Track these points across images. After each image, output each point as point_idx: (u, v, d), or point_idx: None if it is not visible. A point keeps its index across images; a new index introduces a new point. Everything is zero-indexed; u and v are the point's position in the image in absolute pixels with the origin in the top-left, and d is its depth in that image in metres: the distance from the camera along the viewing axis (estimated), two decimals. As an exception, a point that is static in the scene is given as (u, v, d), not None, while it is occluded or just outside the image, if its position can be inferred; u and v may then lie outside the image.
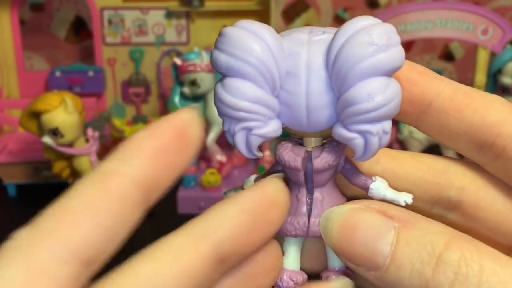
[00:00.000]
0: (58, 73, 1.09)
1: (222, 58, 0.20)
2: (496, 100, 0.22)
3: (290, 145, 0.22)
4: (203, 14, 1.16)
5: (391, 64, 0.20)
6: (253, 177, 0.23)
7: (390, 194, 0.22)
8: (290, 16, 1.30)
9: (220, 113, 0.21)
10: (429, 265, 0.19)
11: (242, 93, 0.20)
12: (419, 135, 1.01)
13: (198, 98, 0.99)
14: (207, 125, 1.02)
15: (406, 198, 0.22)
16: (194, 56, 0.97)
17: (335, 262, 0.22)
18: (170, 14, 1.15)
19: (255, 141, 0.21)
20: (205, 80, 0.96)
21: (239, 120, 0.21)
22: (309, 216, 0.22)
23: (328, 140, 0.22)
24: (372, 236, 0.20)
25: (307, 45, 0.21)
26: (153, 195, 0.20)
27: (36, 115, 0.83)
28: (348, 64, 0.20)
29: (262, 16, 1.16)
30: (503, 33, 1.01)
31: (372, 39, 0.20)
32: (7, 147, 1.01)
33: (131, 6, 1.14)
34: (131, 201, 0.19)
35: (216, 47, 0.21)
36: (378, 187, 0.22)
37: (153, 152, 0.19)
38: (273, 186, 0.21)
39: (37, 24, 1.24)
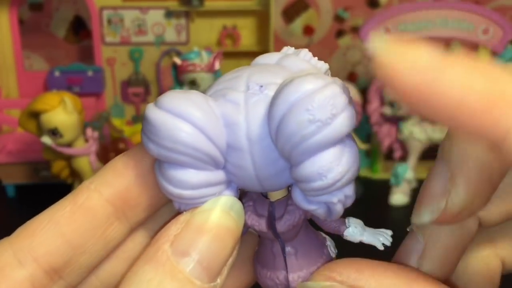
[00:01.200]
0: (57, 73, 1.09)
1: (153, 148, 0.18)
2: None
3: (251, 203, 0.21)
4: (202, 14, 1.15)
5: (340, 134, 0.17)
6: None
7: (367, 237, 0.21)
8: (290, 16, 1.30)
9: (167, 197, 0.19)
10: None
11: (183, 183, 0.18)
12: (420, 135, 1.00)
13: (198, 98, 0.99)
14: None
15: (384, 239, 0.20)
16: (193, 56, 0.96)
17: None
18: (169, 14, 1.15)
19: None
20: (205, 80, 0.96)
21: (188, 204, 0.19)
22: (287, 270, 0.21)
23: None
24: None
25: (244, 110, 0.18)
26: (130, 211, 0.20)
27: (35, 115, 0.83)
28: (291, 143, 0.17)
29: (262, 16, 1.15)
30: (503, 32, 1.00)
31: (313, 115, 0.17)
32: (6, 147, 1.01)
33: (131, 5, 1.14)
34: (98, 214, 0.19)
35: (143, 132, 0.18)
36: (353, 233, 0.20)
37: (123, 171, 0.20)
38: None
39: (36, 23, 1.24)
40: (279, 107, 0.17)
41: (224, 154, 0.18)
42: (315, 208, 0.19)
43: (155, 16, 1.15)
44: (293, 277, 0.21)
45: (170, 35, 1.16)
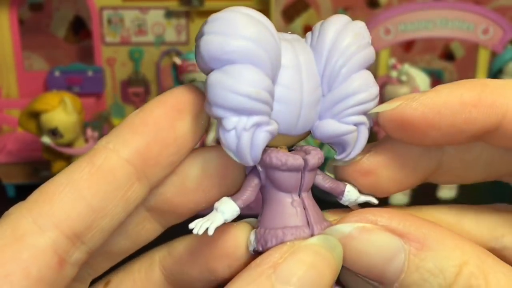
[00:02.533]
0: (57, 73, 1.09)
1: (219, 41, 0.18)
2: None
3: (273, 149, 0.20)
4: (202, 14, 1.15)
5: (373, 57, 0.20)
6: (225, 198, 0.21)
7: (363, 197, 0.22)
8: (290, 16, 1.30)
9: (228, 109, 0.18)
10: None
11: (259, 81, 0.18)
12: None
13: (198, 98, 0.99)
14: (207, 124, 1.01)
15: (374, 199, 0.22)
16: (193, 56, 0.96)
17: None
18: (169, 14, 1.15)
19: (264, 140, 0.18)
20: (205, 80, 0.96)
21: (252, 113, 0.18)
22: (310, 221, 0.20)
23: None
24: (380, 261, 0.18)
25: (290, 44, 0.19)
26: (150, 171, 0.19)
27: (35, 115, 0.83)
28: (346, 56, 0.19)
29: (262, 15, 1.15)
30: (503, 32, 1.00)
31: (362, 33, 0.20)
32: (6, 147, 1.01)
33: (131, 5, 1.14)
34: (118, 176, 0.19)
35: (206, 33, 0.18)
36: (352, 191, 0.21)
37: (141, 128, 0.19)
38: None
39: (36, 23, 1.24)
40: (331, 29, 0.20)
41: (277, 73, 0.19)
42: (351, 129, 0.20)
43: (155, 16, 1.15)
44: (317, 227, 0.20)
45: (170, 35, 1.16)
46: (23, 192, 0.98)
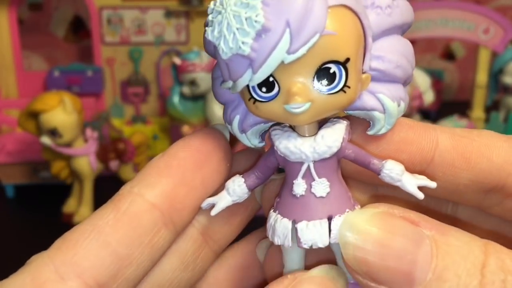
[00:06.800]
0: (56, 73, 1.08)
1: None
2: (491, 135, 0.20)
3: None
4: (202, 14, 1.15)
5: None
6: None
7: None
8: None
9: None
10: (476, 277, 0.16)
11: None
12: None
13: (197, 97, 0.98)
14: (206, 125, 1.01)
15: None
16: (193, 56, 0.96)
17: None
18: (169, 14, 1.14)
19: None
20: (205, 79, 0.96)
21: None
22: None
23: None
24: (408, 247, 0.17)
25: None
26: (176, 215, 0.19)
27: (34, 115, 0.82)
28: None
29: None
30: (504, 32, 1.00)
31: None
32: (5, 147, 1.01)
33: (130, 5, 1.14)
34: (144, 221, 0.18)
35: None
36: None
37: (167, 171, 0.19)
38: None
39: (35, 23, 1.23)
40: None
41: None
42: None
43: (155, 16, 1.15)
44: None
45: (170, 35, 1.16)
46: (22, 192, 0.98)
